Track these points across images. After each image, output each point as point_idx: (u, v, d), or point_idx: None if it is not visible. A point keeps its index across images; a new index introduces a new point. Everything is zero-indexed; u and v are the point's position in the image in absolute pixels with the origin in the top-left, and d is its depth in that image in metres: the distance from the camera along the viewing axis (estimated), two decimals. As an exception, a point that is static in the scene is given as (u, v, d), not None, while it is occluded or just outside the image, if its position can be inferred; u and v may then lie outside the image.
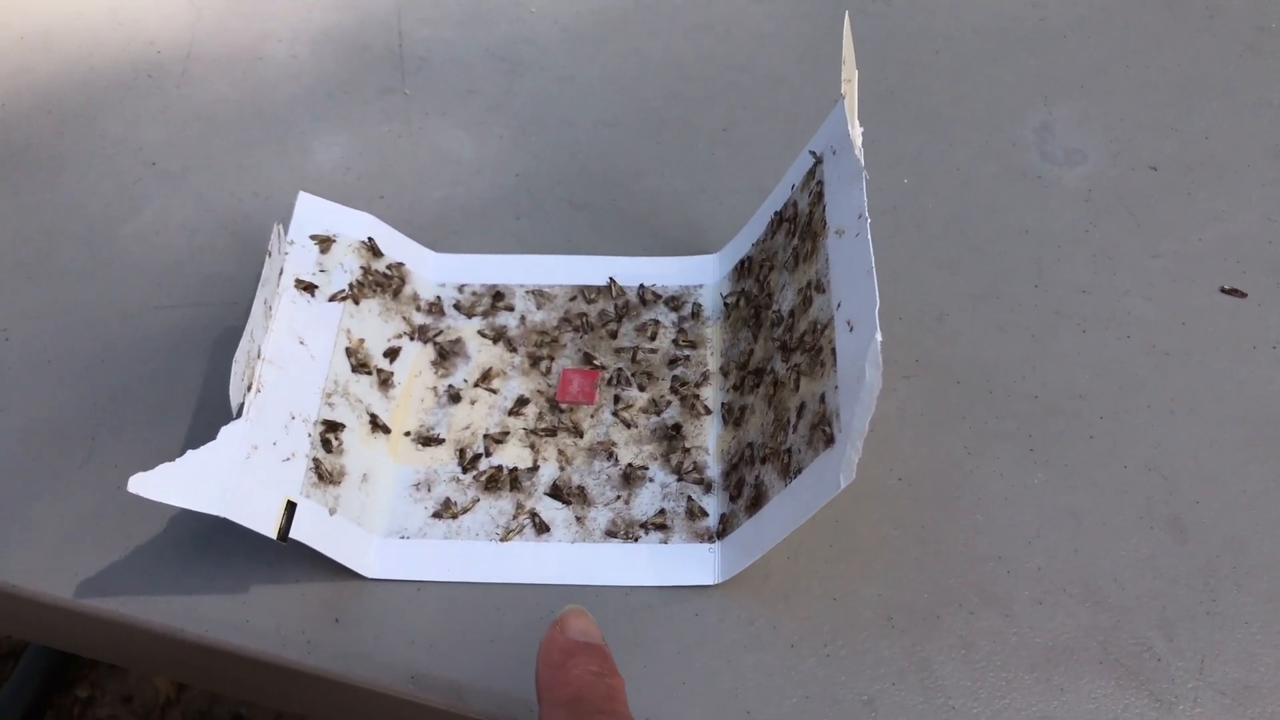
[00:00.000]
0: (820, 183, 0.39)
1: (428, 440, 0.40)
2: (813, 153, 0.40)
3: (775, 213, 0.42)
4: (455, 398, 0.41)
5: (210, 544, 0.37)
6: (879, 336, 0.31)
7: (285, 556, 0.36)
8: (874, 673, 0.33)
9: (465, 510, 0.38)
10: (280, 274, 0.40)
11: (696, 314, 0.43)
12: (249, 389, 0.36)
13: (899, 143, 0.51)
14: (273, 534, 0.34)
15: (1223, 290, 0.43)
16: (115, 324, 0.44)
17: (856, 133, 0.36)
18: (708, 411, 0.40)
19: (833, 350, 0.34)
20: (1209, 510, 0.37)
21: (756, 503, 0.35)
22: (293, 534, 0.34)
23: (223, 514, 0.33)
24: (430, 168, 0.51)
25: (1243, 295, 0.43)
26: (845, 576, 0.35)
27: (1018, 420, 0.40)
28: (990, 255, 0.45)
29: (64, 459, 0.40)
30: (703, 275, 0.45)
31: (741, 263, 0.43)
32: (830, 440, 0.32)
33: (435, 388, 0.42)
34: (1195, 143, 0.49)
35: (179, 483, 0.33)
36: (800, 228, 0.39)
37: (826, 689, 0.33)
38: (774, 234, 0.42)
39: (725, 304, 0.43)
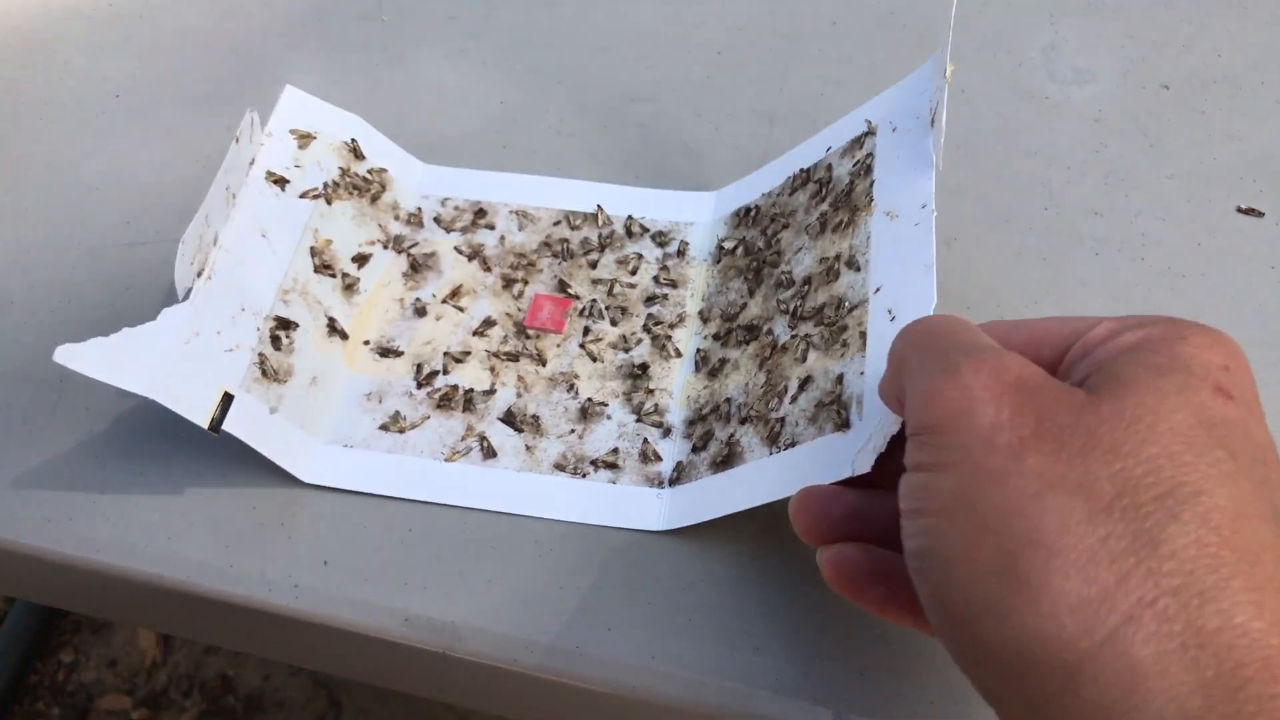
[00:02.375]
0: (870, 155, 0.37)
1: (386, 351, 0.39)
2: (868, 121, 0.38)
3: (801, 169, 0.40)
4: (421, 311, 0.40)
5: (191, 487, 0.35)
6: None
7: (269, 499, 0.35)
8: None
9: (414, 426, 0.37)
10: (251, 164, 0.39)
11: (682, 252, 0.42)
12: (199, 274, 0.35)
13: (901, 65, 0.48)
14: (204, 423, 0.33)
15: (1239, 210, 0.42)
16: (82, 263, 0.42)
17: (940, 119, 0.33)
18: (678, 354, 0.38)
19: (862, 333, 0.32)
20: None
21: (728, 461, 0.34)
22: (226, 426, 0.33)
23: (153, 395, 0.32)
24: (411, 98, 0.48)
25: (1260, 215, 0.42)
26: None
27: (1031, 346, 0.38)
28: (999, 179, 0.44)
29: (33, 404, 0.38)
30: (696, 212, 0.43)
31: (745, 210, 0.41)
32: (844, 425, 0.31)
33: (402, 299, 0.40)
34: (1208, 60, 0.47)
35: (110, 359, 0.32)
36: (835, 195, 0.37)
37: (840, 622, 0.32)
38: (794, 191, 0.40)
39: (721, 248, 0.41)
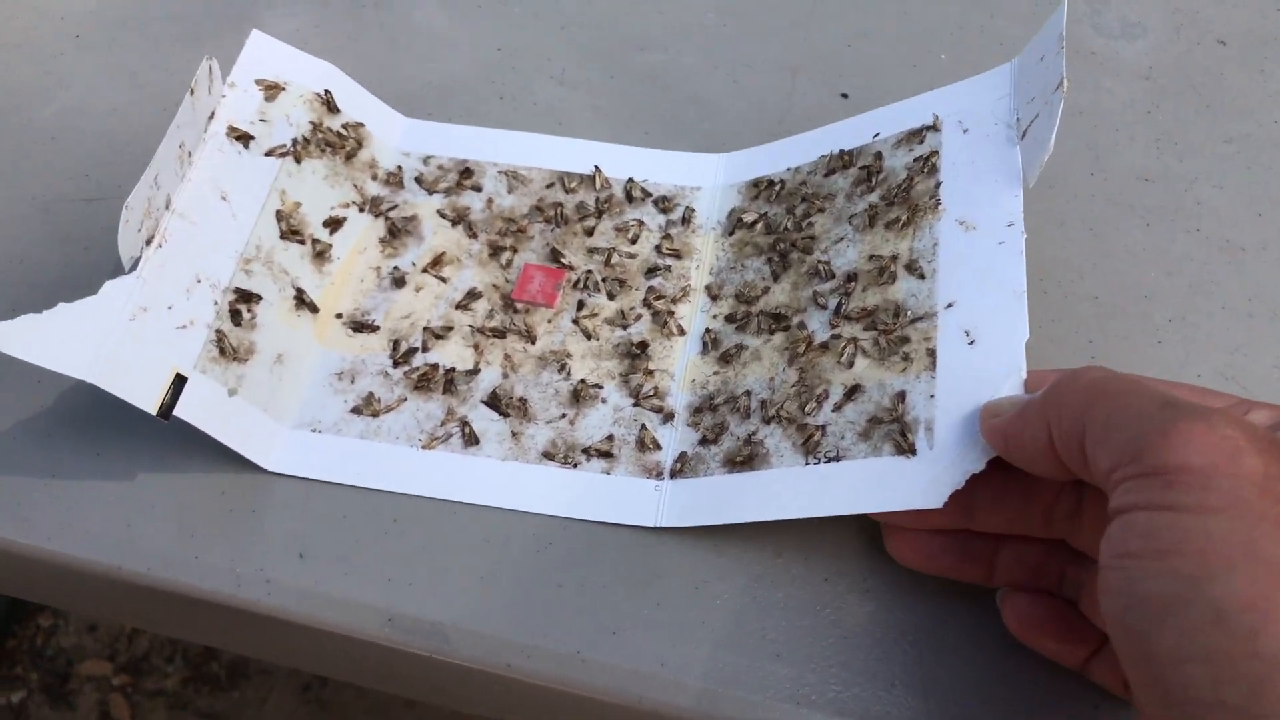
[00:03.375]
0: (935, 153, 0.34)
1: (360, 326, 0.36)
2: (935, 116, 0.35)
3: (841, 150, 0.37)
4: (399, 282, 0.37)
5: (152, 469, 0.33)
6: (1024, 373, 0.28)
7: (239, 483, 0.32)
8: (919, 609, 0.30)
9: (389, 409, 0.34)
10: (210, 118, 0.35)
11: (687, 220, 0.38)
12: (147, 242, 0.32)
13: (936, 12, 0.45)
14: (152, 409, 0.30)
15: (1303, 178, 0.39)
16: (34, 220, 0.39)
17: (1045, 136, 0.31)
18: (681, 332, 0.35)
19: (930, 351, 0.30)
20: (1296, 424, 0.33)
21: (750, 463, 0.31)
22: (178, 412, 0.30)
23: (92, 379, 0.29)
24: (399, 42, 0.45)
25: (1326, 183, 0.38)
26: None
27: (1076, 323, 0.35)
28: (1040, 140, 0.40)
29: (-22, 374, 0.34)
30: (702, 176, 0.39)
31: (765, 182, 0.38)
32: (909, 450, 0.29)
33: (379, 268, 0.37)
34: (1269, 14, 0.44)
35: (42, 339, 0.29)
36: (888, 188, 0.35)
37: (866, 627, 0.29)
38: (830, 172, 0.37)
39: (739, 221, 0.37)
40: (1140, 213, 0.38)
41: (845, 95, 0.42)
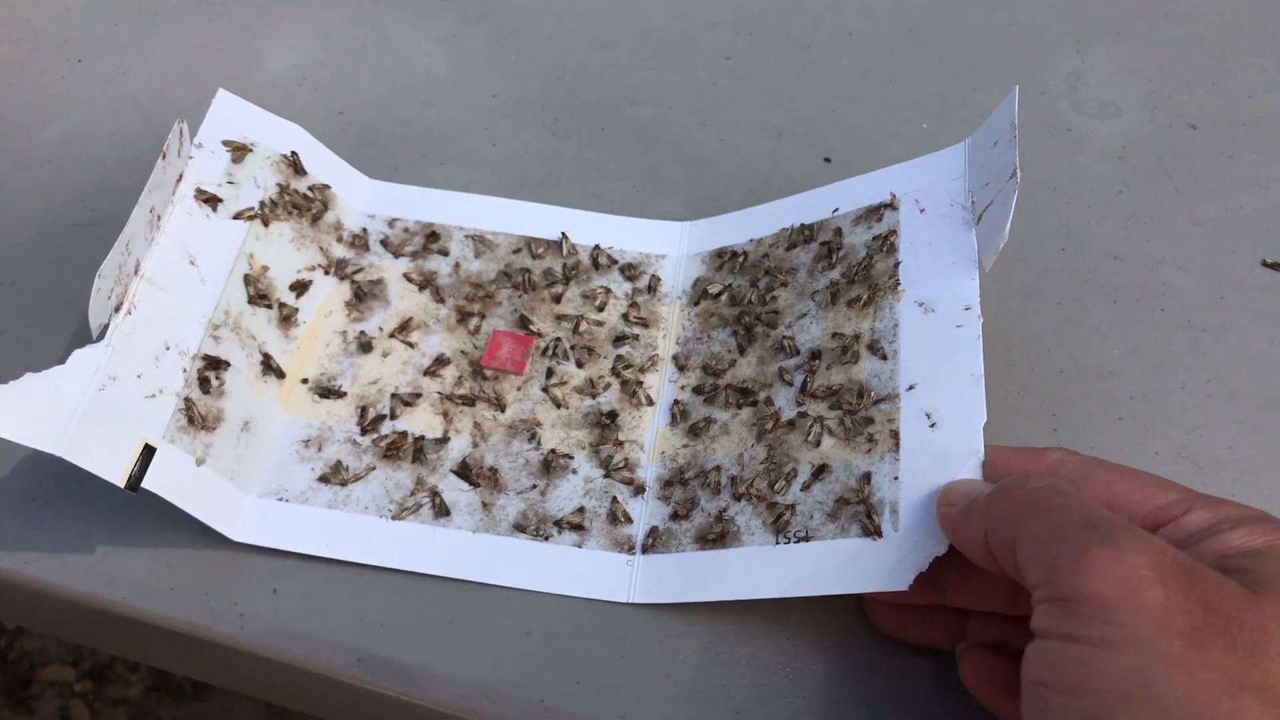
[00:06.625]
0: (894, 233, 0.35)
1: (327, 392, 0.35)
2: (892, 194, 0.36)
3: (801, 224, 0.37)
4: (366, 347, 0.37)
5: (130, 500, 0.33)
6: (982, 455, 0.29)
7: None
8: (878, 670, 0.30)
9: (357, 478, 0.34)
10: (179, 180, 0.35)
11: (653, 288, 0.39)
12: (117, 309, 0.31)
13: (919, 84, 0.46)
14: (120, 482, 0.29)
15: (1265, 264, 0.40)
16: (31, 242, 0.39)
17: (1000, 221, 0.31)
18: (650, 402, 0.36)
19: (893, 433, 0.31)
20: (1246, 504, 0.34)
21: (720, 540, 0.31)
22: (146, 484, 0.30)
23: (59, 453, 0.29)
24: (397, 83, 0.45)
25: (1286, 270, 0.40)
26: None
27: (1041, 397, 0.36)
28: (1015, 213, 0.41)
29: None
30: (666, 244, 0.40)
31: (729, 252, 0.39)
32: (874, 531, 0.29)
33: (345, 332, 0.37)
34: (1239, 100, 0.45)
35: (10, 411, 0.28)
36: (849, 266, 0.35)
37: (826, 687, 0.30)
38: (791, 246, 0.37)
39: (704, 292, 0.38)
40: (1108, 290, 0.39)
41: (828, 159, 0.43)
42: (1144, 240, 0.41)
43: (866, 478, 0.30)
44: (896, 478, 0.30)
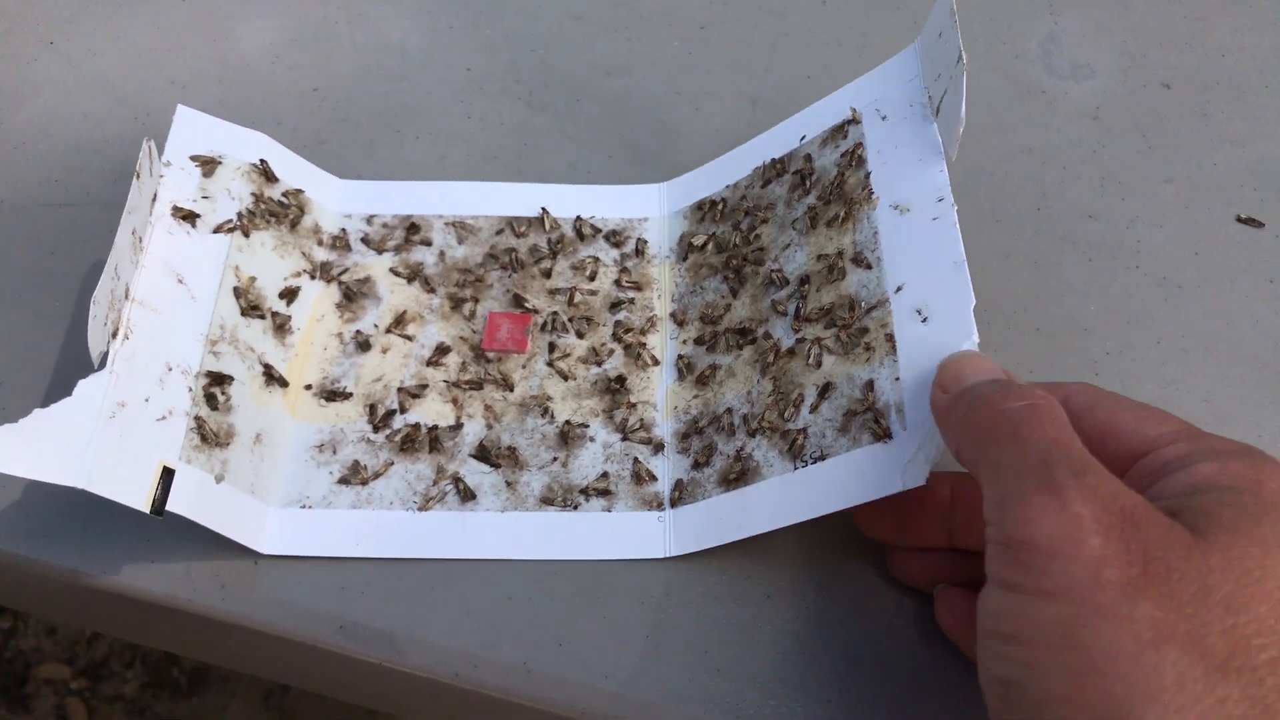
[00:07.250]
0: (860, 145, 0.35)
1: (332, 395, 0.35)
2: (852, 110, 0.36)
3: (772, 159, 0.38)
4: (364, 345, 0.36)
5: None
6: (976, 337, 0.28)
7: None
8: (862, 626, 0.31)
9: (377, 475, 0.34)
10: (154, 200, 0.34)
11: (641, 251, 0.39)
12: (114, 335, 0.31)
13: (891, 51, 0.46)
14: (145, 507, 0.29)
15: (1239, 219, 0.40)
16: (3, 222, 0.39)
17: (955, 108, 0.31)
18: (655, 362, 0.36)
19: (889, 336, 0.31)
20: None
21: (743, 478, 0.32)
22: (170, 506, 0.29)
23: (83, 486, 0.28)
24: (371, 59, 0.45)
25: (1260, 225, 0.40)
26: (829, 522, 0.32)
27: (1019, 354, 0.36)
28: (990, 176, 0.41)
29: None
30: (647, 207, 0.40)
31: (708, 203, 0.39)
32: (884, 435, 0.29)
33: (340, 334, 0.37)
34: (1212, 60, 0.46)
35: (25, 450, 0.28)
36: (823, 188, 0.35)
37: (806, 644, 0.30)
38: (766, 183, 0.38)
39: (690, 245, 0.38)
40: (1083, 249, 0.39)
41: (805, 126, 0.43)
42: (1119, 199, 0.41)
43: (869, 385, 0.30)
44: (897, 378, 0.30)
